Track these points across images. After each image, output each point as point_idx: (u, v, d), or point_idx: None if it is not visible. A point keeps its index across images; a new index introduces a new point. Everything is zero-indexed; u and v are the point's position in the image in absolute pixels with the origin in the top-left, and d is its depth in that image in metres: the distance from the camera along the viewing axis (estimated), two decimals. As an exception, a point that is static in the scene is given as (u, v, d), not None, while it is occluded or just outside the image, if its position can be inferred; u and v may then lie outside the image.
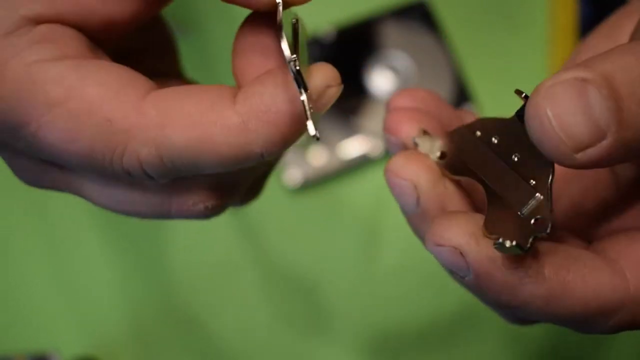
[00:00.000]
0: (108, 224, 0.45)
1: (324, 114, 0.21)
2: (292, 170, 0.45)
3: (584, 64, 0.18)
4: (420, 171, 0.22)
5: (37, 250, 0.45)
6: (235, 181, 0.21)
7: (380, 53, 0.47)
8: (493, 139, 0.22)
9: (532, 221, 0.20)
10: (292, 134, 0.20)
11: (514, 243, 0.19)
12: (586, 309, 0.20)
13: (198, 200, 0.21)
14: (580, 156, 0.17)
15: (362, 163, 0.46)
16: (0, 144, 0.21)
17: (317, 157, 0.45)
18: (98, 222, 0.45)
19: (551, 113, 0.17)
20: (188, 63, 0.47)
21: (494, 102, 0.46)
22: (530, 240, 0.19)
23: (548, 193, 0.20)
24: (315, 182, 0.46)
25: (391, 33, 0.48)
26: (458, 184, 0.23)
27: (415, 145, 0.24)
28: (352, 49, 0.48)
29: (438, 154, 0.24)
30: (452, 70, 0.47)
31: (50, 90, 0.18)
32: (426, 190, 0.22)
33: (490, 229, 0.20)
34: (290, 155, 0.45)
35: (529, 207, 0.20)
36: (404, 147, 0.24)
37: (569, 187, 0.25)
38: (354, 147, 0.45)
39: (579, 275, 0.20)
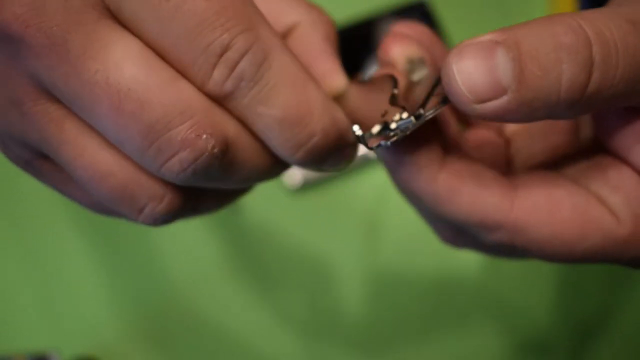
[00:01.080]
0: (107, 224, 0.45)
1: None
2: (292, 170, 0.45)
3: (502, 29, 0.21)
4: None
5: (37, 251, 0.45)
6: (235, 156, 0.22)
7: (380, 53, 0.47)
8: None
9: (391, 133, 0.23)
10: (336, 143, 0.22)
11: (359, 133, 0.24)
12: (468, 218, 0.24)
13: (216, 135, 0.20)
14: (480, 107, 0.20)
15: (362, 163, 0.46)
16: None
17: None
18: (97, 222, 0.45)
19: (456, 67, 0.20)
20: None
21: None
22: (376, 144, 0.23)
23: (418, 122, 0.23)
24: (315, 182, 0.46)
25: (391, 33, 0.48)
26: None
27: (406, 63, 0.27)
28: (352, 49, 0.48)
29: (417, 79, 0.26)
30: (452, 70, 0.47)
31: None
32: None
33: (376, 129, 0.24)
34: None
35: (399, 123, 0.23)
36: (391, 66, 0.27)
37: (533, 142, 0.28)
38: (354, 147, 0.45)
39: (469, 188, 0.24)
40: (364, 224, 0.45)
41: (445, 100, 0.22)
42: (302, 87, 0.21)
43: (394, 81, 0.25)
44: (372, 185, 0.46)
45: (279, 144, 0.21)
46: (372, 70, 0.47)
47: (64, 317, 0.44)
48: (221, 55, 0.20)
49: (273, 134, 0.21)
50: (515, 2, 0.49)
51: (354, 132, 0.24)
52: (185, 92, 0.20)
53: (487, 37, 0.21)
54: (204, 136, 0.20)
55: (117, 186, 0.22)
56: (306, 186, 0.45)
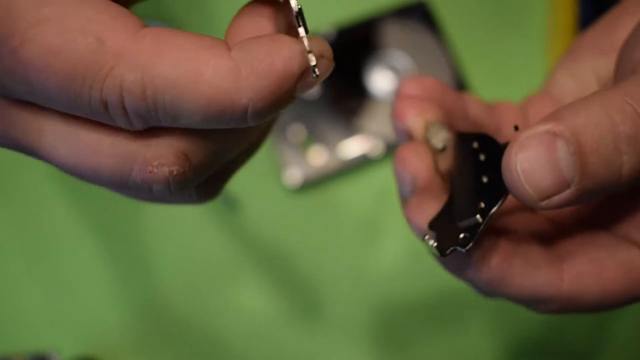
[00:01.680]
0: (107, 224, 0.45)
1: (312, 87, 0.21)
2: (292, 170, 0.45)
3: (556, 116, 0.20)
4: (420, 167, 0.26)
5: (37, 251, 0.45)
6: (206, 153, 0.21)
7: (380, 53, 0.47)
8: (482, 155, 0.24)
9: (461, 235, 0.23)
10: (280, 94, 0.19)
11: (434, 244, 0.23)
12: (521, 296, 0.24)
13: (164, 162, 0.20)
14: (545, 203, 0.20)
15: (362, 163, 0.46)
16: None
17: (317, 157, 0.45)
18: (97, 223, 0.45)
19: (520, 168, 0.20)
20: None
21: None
22: (450, 249, 0.22)
23: (486, 220, 0.22)
24: (315, 182, 0.46)
25: (391, 33, 0.48)
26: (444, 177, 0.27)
27: (425, 130, 0.26)
28: (352, 49, 0.48)
29: (440, 145, 0.26)
30: (452, 70, 0.47)
31: (45, 5, 0.18)
32: (421, 184, 0.26)
33: (433, 225, 0.24)
34: (290, 155, 0.45)
35: (465, 222, 0.23)
36: (409, 134, 0.27)
37: None
38: (354, 147, 0.46)
39: (520, 270, 0.24)
40: (363, 224, 0.45)
41: (506, 192, 0.22)
42: (200, 76, 0.18)
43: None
44: (372, 185, 0.46)
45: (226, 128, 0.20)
46: (375, 70, 0.47)
47: (64, 317, 0.44)
48: (105, 107, 0.18)
49: (213, 128, 0.20)
50: (515, 2, 0.49)
51: (425, 241, 0.23)
52: (117, 146, 0.20)
53: (544, 127, 0.20)
54: (155, 170, 0.20)
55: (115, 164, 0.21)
56: (306, 186, 0.46)
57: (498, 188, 0.23)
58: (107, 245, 0.45)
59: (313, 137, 0.46)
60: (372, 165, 0.46)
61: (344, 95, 0.47)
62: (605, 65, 0.27)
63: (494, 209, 0.22)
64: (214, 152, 0.21)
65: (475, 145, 0.25)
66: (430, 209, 0.25)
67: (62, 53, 0.17)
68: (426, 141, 0.26)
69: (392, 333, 0.43)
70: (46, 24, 0.17)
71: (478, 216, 0.22)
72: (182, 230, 0.45)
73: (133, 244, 0.45)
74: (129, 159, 0.20)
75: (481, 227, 0.22)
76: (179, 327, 0.44)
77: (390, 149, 0.45)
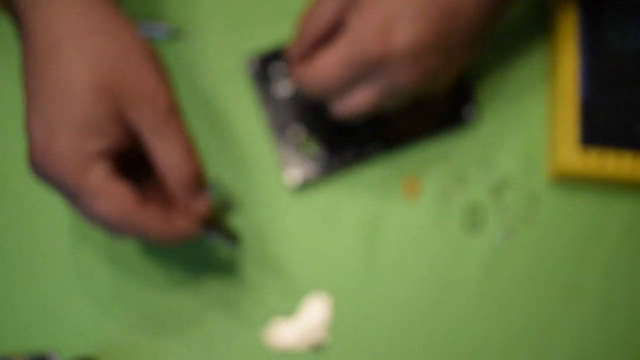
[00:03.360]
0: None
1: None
2: (292, 170, 0.45)
3: None
4: None
5: (37, 251, 0.45)
6: None
7: (380, 53, 0.47)
8: None
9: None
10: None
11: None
12: None
13: None
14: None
15: (361, 163, 0.46)
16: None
17: (317, 157, 0.45)
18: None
19: None
20: (181, 67, 0.47)
21: (494, 102, 0.46)
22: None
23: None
24: (315, 182, 0.46)
25: (391, 33, 0.48)
26: None
27: None
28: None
29: None
30: (452, 70, 0.47)
31: (56, 138, 0.34)
32: None
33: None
34: (290, 155, 0.45)
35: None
36: None
37: None
38: (353, 147, 0.45)
39: None
40: (363, 224, 0.45)
41: None
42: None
43: None
44: (372, 185, 0.46)
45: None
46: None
47: (64, 317, 0.44)
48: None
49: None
50: (515, 4, 0.49)
51: None
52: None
53: None
54: None
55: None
56: (306, 186, 0.46)
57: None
58: (107, 246, 0.45)
59: (313, 137, 0.46)
60: (373, 165, 0.46)
61: (344, 95, 0.47)
62: None
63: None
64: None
65: None
66: None
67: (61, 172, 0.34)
68: None
69: (393, 331, 0.43)
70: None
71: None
72: (182, 230, 0.45)
73: (133, 245, 0.45)
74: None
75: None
76: (179, 327, 0.44)
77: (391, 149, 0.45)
